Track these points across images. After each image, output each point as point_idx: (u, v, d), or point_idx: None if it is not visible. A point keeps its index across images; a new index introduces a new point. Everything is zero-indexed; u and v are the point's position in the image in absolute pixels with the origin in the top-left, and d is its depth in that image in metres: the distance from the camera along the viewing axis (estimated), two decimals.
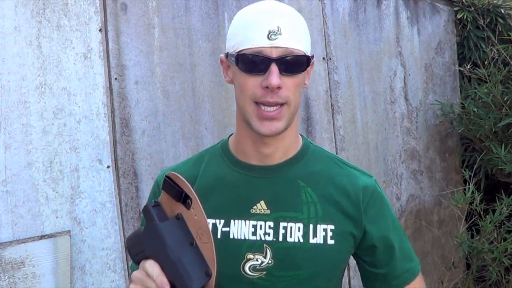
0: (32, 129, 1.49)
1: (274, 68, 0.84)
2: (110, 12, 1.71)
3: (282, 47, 0.84)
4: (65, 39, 1.58)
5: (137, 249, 0.79)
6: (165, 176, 0.79)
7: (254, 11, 0.89)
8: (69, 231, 1.54)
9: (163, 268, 0.74)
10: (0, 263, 1.38)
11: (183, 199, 0.75)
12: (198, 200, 0.74)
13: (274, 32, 0.84)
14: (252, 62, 0.85)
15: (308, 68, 0.94)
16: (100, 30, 1.67)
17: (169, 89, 1.86)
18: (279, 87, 0.84)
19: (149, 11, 1.82)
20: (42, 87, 1.52)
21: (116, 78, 1.71)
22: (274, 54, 0.84)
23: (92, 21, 1.65)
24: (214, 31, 2.02)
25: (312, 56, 0.91)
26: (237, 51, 0.87)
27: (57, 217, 1.52)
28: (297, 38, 0.86)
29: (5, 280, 1.39)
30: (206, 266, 0.73)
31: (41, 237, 1.47)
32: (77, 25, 1.61)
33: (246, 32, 0.86)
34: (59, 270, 1.49)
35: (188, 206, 0.75)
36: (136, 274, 0.77)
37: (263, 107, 0.86)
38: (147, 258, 0.77)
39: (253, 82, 0.86)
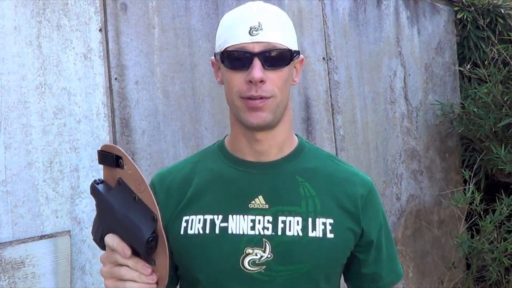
0: (32, 129, 1.49)
1: (256, 62, 0.86)
2: (110, 12, 1.71)
3: (264, 42, 0.86)
4: (65, 39, 1.58)
5: (99, 233, 0.79)
6: (98, 150, 0.80)
7: (237, 11, 0.92)
8: (69, 231, 1.54)
9: (120, 235, 0.75)
10: (0, 263, 1.38)
11: (116, 162, 0.76)
12: (127, 155, 0.76)
13: (255, 27, 0.86)
14: (235, 58, 0.88)
15: (297, 65, 0.96)
16: (100, 30, 1.67)
17: (169, 89, 1.86)
18: (262, 81, 0.86)
19: (149, 11, 1.82)
20: (42, 87, 1.52)
21: (116, 78, 1.71)
22: (256, 49, 0.86)
23: (92, 21, 1.65)
24: (214, 31, 2.02)
25: (298, 52, 0.93)
26: (222, 49, 0.90)
27: (57, 217, 1.52)
28: (279, 33, 0.89)
29: (5, 280, 1.39)
30: (150, 212, 0.74)
31: (41, 237, 1.47)
32: (77, 25, 1.61)
33: (230, 30, 0.89)
34: (59, 270, 1.49)
35: (122, 166, 0.76)
36: (102, 255, 0.78)
37: (249, 99, 0.89)
38: None
39: (238, 78, 0.88)
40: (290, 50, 0.89)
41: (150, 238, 0.72)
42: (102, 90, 1.66)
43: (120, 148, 0.76)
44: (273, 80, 0.88)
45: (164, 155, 1.82)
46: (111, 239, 0.75)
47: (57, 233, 1.51)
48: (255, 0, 0.94)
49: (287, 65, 0.90)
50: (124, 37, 1.74)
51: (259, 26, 0.86)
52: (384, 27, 2.93)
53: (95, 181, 0.79)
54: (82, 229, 1.58)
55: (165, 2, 1.87)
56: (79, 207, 1.58)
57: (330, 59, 2.55)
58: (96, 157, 0.80)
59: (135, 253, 0.74)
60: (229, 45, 0.88)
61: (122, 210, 0.75)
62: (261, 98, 0.87)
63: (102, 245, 0.80)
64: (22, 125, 1.47)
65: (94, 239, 0.81)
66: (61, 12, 1.58)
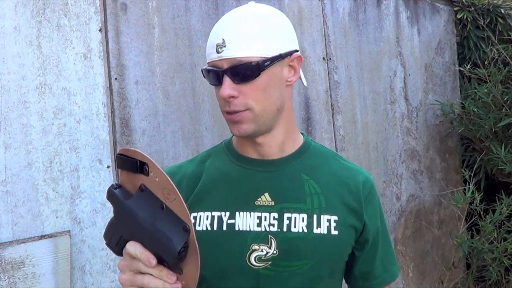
0: (32, 129, 1.49)
1: (225, 79, 0.88)
2: (110, 12, 1.71)
3: (229, 58, 0.88)
4: (65, 39, 1.58)
5: (115, 239, 0.77)
6: (117, 154, 0.78)
7: (214, 26, 0.94)
8: (69, 231, 1.54)
9: (144, 243, 0.72)
10: (0, 263, 1.38)
11: (140, 168, 0.74)
12: (154, 162, 0.73)
13: (219, 45, 0.88)
14: (211, 76, 0.91)
15: (293, 64, 0.95)
16: (100, 30, 1.67)
17: (169, 89, 1.86)
18: (233, 97, 0.88)
19: (149, 11, 1.82)
20: (42, 87, 1.52)
21: (116, 78, 1.70)
22: (225, 65, 0.88)
23: (92, 21, 1.65)
24: None
25: (278, 57, 0.90)
26: (204, 66, 0.94)
27: (57, 217, 1.52)
28: (245, 46, 0.88)
29: (5, 280, 1.39)
30: (181, 222, 0.71)
31: (41, 237, 1.47)
32: (77, 25, 1.61)
33: (207, 47, 0.93)
34: (59, 270, 1.49)
35: (146, 173, 0.73)
36: (121, 262, 0.76)
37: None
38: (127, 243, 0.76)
39: (217, 94, 0.92)
40: (257, 62, 0.88)
41: (182, 249, 0.70)
42: (102, 90, 1.66)
43: (145, 154, 0.74)
44: (246, 94, 0.89)
45: (164, 155, 1.82)
46: (133, 247, 0.73)
47: (57, 233, 1.51)
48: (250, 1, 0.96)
49: (257, 76, 0.89)
50: (124, 37, 1.74)
51: (222, 43, 0.88)
52: (384, 27, 2.93)
53: (112, 185, 0.77)
54: (82, 229, 1.58)
55: (165, 2, 1.87)
56: (79, 207, 1.58)
57: (330, 59, 2.55)
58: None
59: (159, 260, 0.72)
60: (207, 62, 0.92)
61: (148, 219, 0.72)
62: (235, 112, 0.89)
63: (118, 250, 0.78)
64: (22, 125, 1.47)
65: (108, 244, 0.79)
66: (61, 12, 1.58)
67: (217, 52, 0.88)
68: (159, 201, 0.73)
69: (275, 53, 0.90)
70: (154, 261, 0.71)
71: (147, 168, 0.73)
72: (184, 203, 0.71)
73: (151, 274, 0.73)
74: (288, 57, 0.93)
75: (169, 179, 0.71)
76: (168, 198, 0.72)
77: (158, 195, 0.73)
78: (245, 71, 0.88)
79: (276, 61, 0.90)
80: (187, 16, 1.94)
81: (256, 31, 0.89)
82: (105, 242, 0.80)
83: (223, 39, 0.88)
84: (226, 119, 0.92)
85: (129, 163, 0.75)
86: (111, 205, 0.77)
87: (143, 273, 0.74)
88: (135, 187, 0.76)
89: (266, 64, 0.89)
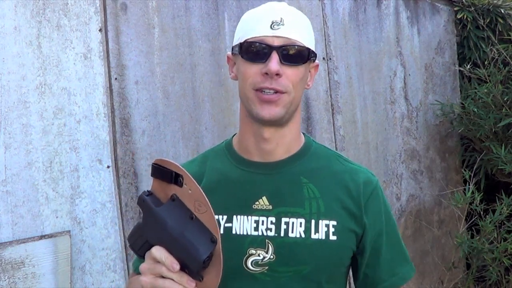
0: (32, 129, 1.49)
1: (274, 55, 0.87)
2: (110, 12, 1.71)
3: (284, 37, 0.88)
4: (65, 39, 1.58)
5: (140, 242, 0.80)
6: (153, 163, 0.80)
7: (260, 8, 0.93)
8: (69, 231, 1.54)
9: (169, 250, 0.75)
10: (0, 263, 1.38)
11: (174, 179, 0.77)
12: (189, 174, 0.76)
13: (277, 22, 0.88)
14: (254, 50, 0.89)
15: (312, 70, 0.97)
16: (100, 30, 1.67)
17: (169, 89, 1.86)
18: (278, 74, 0.87)
19: (149, 11, 1.82)
20: (42, 87, 1.52)
21: (116, 78, 1.70)
22: (276, 42, 0.88)
23: (92, 21, 1.65)
24: (214, 31, 2.02)
25: (315, 54, 0.94)
26: (241, 41, 0.91)
27: (57, 217, 1.52)
28: (299, 31, 0.90)
29: (5, 280, 1.39)
30: (209, 233, 0.74)
31: (41, 237, 1.47)
32: (77, 25, 1.61)
33: (251, 24, 0.91)
34: (59, 270, 1.49)
35: (180, 184, 0.76)
36: (143, 265, 0.78)
37: (263, 92, 0.89)
38: (151, 247, 0.79)
39: (254, 70, 0.89)
40: (308, 49, 0.91)
41: (207, 258, 0.74)
42: (102, 90, 1.66)
43: (179, 165, 0.77)
44: (288, 76, 0.89)
45: (164, 155, 1.82)
46: (159, 252, 0.75)
47: (57, 233, 1.51)
48: (273, 1, 0.97)
49: (304, 63, 0.91)
50: (124, 37, 1.74)
51: (280, 22, 0.88)
52: (384, 27, 2.93)
53: (144, 192, 0.80)
54: (82, 229, 1.58)
55: (165, 2, 1.87)
56: (79, 207, 1.58)
57: (330, 59, 2.55)
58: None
59: (181, 267, 0.75)
60: (249, 37, 0.89)
61: (176, 227, 0.75)
62: (276, 92, 0.88)
63: (140, 253, 0.81)
64: (22, 125, 1.47)
65: (132, 246, 0.82)
66: (61, 12, 1.58)
67: (272, 28, 0.87)
68: (189, 211, 0.76)
69: (314, 51, 0.94)
70: (177, 266, 0.74)
71: (181, 180, 0.76)
72: (214, 216, 0.75)
73: (172, 279, 0.75)
74: (314, 61, 0.96)
75: (203, 192, 0.75)
76: (199, 210, 0.75)
77: (189, 206, 0.76)
78: (296, 54, 0.89)
79: (314, 58, 0.94)
80: (187, 16, 1.94)
81: (307, 24, 0.93)
82: (128, 244, 0.83)
83: (281, 18, 0.88)
84: (258, 99, 0.89)
85: (164, 173, 0.78)
86: (141, 210, 0.80)
87: (164, 278, 0.75)
88: (166, 196, 0.78)
89: (312, 55, 0.92)
